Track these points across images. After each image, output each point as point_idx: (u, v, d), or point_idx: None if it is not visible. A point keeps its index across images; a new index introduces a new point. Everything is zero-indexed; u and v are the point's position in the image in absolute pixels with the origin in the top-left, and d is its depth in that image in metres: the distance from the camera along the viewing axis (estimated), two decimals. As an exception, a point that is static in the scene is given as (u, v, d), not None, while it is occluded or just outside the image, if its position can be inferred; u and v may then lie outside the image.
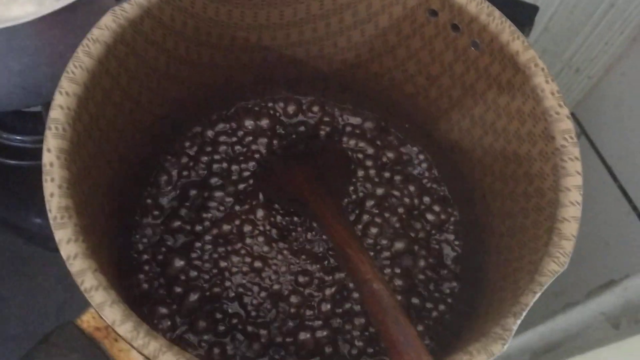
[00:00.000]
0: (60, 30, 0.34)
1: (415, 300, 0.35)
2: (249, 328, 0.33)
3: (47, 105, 0.41)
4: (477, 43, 0.31)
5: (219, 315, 0.34)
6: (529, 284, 0.23)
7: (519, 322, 0.22)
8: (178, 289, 0.34)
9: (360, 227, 0.37)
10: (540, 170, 0.28)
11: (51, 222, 0.23)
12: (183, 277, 0.34)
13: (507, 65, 0.29)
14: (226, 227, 0.36)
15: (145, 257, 0.35)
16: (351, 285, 0.35)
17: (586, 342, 0.57)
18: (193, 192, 0.36)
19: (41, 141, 0.46)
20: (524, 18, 0.56)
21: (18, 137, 0.46)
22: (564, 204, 0.25)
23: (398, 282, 0.35)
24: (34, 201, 0.47)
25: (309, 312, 0.34)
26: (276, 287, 0.35)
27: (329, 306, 0.34)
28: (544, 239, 0.25)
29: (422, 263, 0.36)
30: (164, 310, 0.33)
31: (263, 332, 0.33)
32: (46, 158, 0.24)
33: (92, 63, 0.26)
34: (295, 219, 0.36)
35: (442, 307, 0.35)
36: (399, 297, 0.35)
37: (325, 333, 0.34)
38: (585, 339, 0.57)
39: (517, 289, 0.25)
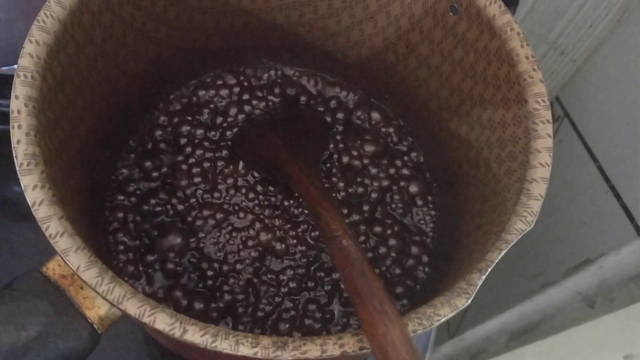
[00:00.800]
0: (36, -14, 0.34)
1: (387, 268, 0.35)
2: (225, 287, 0.33)
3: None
4: (455, 8, 0.31)
5: (192, 276, 0.34)
6: (496, 241, 0.24)
7: (483, 277, 0.23)
8: (152, 256, 0.34)
9: (338, 195, 0.37)
10: (513, 135, 0.28)
11: (17, 168, 0.23)
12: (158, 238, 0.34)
13: (484, 30, 0.29)
14: (204, 191, 0.36)
15: (120, 217, 0.34)
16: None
17: (562, 321, 0.58)
18: (171, 157, 0.36)
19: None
20: (509, -4, 0.56)
21: (-3, 101, 0.46)
22: (533, 165, 0.25)
23: (372, 251, 0.35)
24: (12, 168, 0.46)
25: (283, 277, 0.34)
26: (254, 254, 0.35)
27: (302, 271, 0.34)
28: (512, 201, 0.25)
29: (396, 228, 0.36)
30: (134, 270, 0.33)
31: (241, 296, 0.33)
32: (14, 105, 0.24)
33: (64, 13, 0.26)
34: (272, 188, 0.36)
35: (418, 273, 0.35)
36: (387, 269, 0.35)
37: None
38: (562, 318, 0.58)
39: (485, 250, 0.25)
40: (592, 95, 0.61)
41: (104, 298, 0.21)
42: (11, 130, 0.23)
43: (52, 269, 0.23)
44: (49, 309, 0.21)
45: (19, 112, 0.24)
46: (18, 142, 0.23)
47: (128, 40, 0.32)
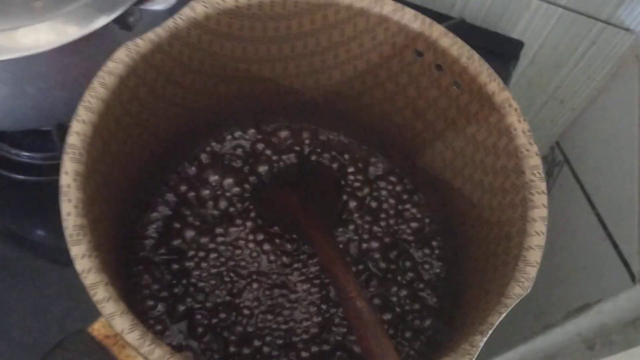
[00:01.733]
0: (74, 58, 0.37)
1: (394, 317, 0.37)
2: (242, 341, 0.36)
3: (58, 126, 0.43)
4: (458, 82, 0.34)
5: (225, 333, 0.36)
6: (496, 305, 0.26)
7: (485, 339, 0.25)
8: (181, 307, 0.36)
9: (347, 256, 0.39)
10: (512, 202, 0.31)
11: (67, 239, 0.25)
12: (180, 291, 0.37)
13: (485, 104, 0.32)
14: (224, 247, 0.38)
15: (146, 275, 0.37)
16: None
17: (564, 362, 0.60)
18: (190, 212, 0.39)
19: (49, 158, 0.49)
20: (510, 53, 0.60)
21: (26, 154, 0.49)
22: (530, 233, 0.28)
23: (377, 300, 0.38)
24: (40, 214, 0.49)
25: (297, 329, 0.37)
26: (269, 303, 0.37)
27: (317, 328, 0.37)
28: (511, 265, 0.28)
29: (405, 284, 0.38)
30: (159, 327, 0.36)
31: (257, 343, 0.36)
32: (64, 180, 0.26)
33: (107, 93, 0.29)
34: (289, 245, 0.39)
35: (425, 323, 0.38)
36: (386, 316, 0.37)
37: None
38: (563, 359, 0.60)
39: (486, 310, 0.27)
40: (591, 143, 0.64)
41: (146, 358, 0.23)
42: (61, 203, 0.26)
43: (97, 329, 0.25)
44: (96, 367, 0.24)
45: (68, 186, 0.26)
46: (68, 214, 0.26)
47: (159, 109, 0.35)
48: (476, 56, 0.32)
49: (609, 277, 0.51)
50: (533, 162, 0.30)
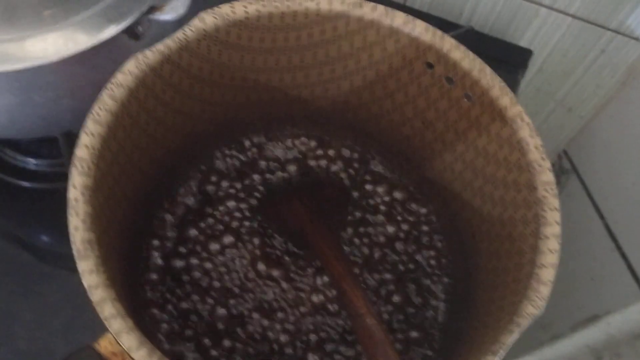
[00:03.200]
0: (82, 67, 0.37)
1: (404, 334, 0.37)
2: (250, 350, 0.36)
3: (65, 135, 0.43)
4: (469, 95, 0.33)
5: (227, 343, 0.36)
6: (508, 324, 0.26)
7: (497, 359, 0.25)
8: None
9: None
10: (524, 217, 0.30)
11: (75, 253, 0.25)
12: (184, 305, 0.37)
13: (496, 117, 0.32)
14: (231, 259, 0.38)
15: (151, 293, 0.37)
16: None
17: (571, 373, 0.59)
18: (200, 223, 0.39)
19: (55, 165, 0.49)
20: (518, 61, 0.59)
21: (33, 161, 0.49)
22: (542, 250, 0.28)
23: (386, 315, 0.37)
24: (46, 221, 0.49)
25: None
26: (280, 316, 0.37)
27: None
28: (523, 283, 0.28)
29: (414, 298, 0.38)
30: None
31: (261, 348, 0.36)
32: (72, 194, 0.26)
33: (116, 106, 0.29)
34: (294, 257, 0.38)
35: (434, 335, 0.37)
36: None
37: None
38: (571, 370, 0.59)
39: (498, 328, 0.27)
40: (599, 152, 0.64)
41: (153, 376, 0.23)
42: (69, 217, 0.26)
43: (104, 346, 0.25)
44: (103, 385, 0.24)
45: (76, 200, 0.26)
46: (76, 228, 0.26)
47: (167, 119, 0.34)
48: (488, 69, 0.32)
49: (618, 289, 0.51)
50: (546, 178, 0.29)
